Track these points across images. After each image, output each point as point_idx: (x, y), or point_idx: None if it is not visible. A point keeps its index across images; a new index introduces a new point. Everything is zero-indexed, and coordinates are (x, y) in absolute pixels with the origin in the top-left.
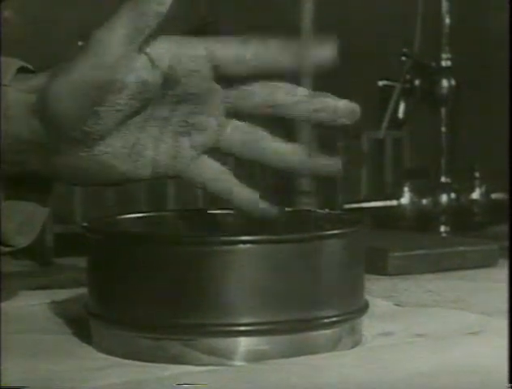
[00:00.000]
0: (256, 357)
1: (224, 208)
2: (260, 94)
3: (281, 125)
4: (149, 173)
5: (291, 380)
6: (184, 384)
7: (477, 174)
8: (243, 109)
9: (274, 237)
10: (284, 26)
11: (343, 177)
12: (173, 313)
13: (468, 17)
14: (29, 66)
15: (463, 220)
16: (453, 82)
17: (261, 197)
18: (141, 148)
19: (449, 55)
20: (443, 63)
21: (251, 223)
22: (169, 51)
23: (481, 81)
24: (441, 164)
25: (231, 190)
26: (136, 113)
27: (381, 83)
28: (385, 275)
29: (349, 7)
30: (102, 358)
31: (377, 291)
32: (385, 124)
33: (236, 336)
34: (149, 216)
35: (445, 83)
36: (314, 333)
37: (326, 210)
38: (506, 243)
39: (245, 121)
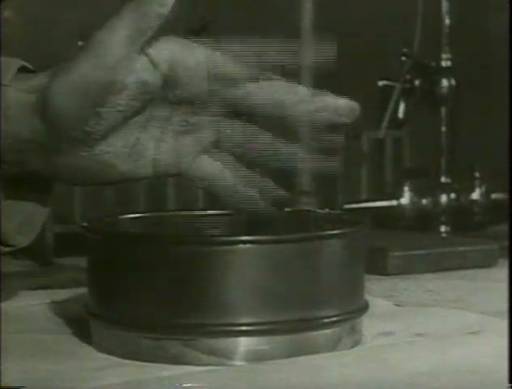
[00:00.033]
0: (256, 357)
1: (224, 208)
2: (260, 93)
3: (281, 125)
4: (150, 173)
5: (291, 380)
6: (184, 384)
7: (477, 174)
8: (243, 108)
9: (274, 237)
10: (284, 26)
11: (343, 177)
12: (173, 313)
13: (468, 17)
14: (29, 66)
15: (463, 219)
16: (453, 82)
17: (261, 196)
18: (142, 148)
19: (449, 55)
20: (443, 63)
21: (251, 223)
22: (170, 53)
23: (481, 81)
24: (441, 164)
25: (231, 189)
26: (137, 113)
27: (381, 83)
28: (385, 274)
29: (349, 7)
30: (102, 358)
31: (378, 291)
32: (385, 124)
33: (236, 336)
34: (149, 216)
35: (445, 83)
36: (314, 333)
37: (326, 210)
38: (506, 243)
39: (244, 120)
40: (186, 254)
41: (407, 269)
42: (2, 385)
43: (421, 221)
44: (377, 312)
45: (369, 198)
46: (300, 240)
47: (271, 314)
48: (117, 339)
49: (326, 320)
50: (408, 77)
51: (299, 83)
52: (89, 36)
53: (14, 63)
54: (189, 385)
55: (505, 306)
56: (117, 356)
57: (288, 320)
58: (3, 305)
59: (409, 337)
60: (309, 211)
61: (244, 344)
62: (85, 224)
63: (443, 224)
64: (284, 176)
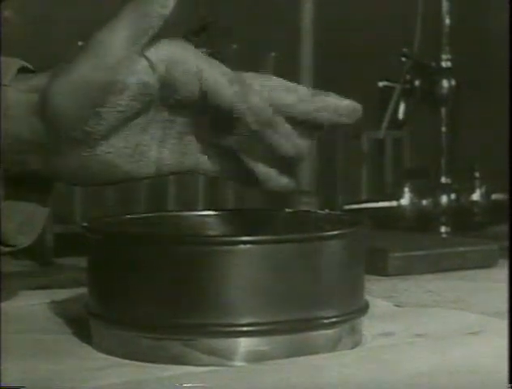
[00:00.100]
0: (256, 358)
1: (223, 209)
2: (260, 93)
3: None
4: (153, 172)
5: (291, 380)
6: (184, 384)
7: (477, 174)
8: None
9: (274, 237)
10: (284, 26)
11: (343, 177)
12: (173, 313)
13: (468, 17)
14: (30, 66)
15: (463, 220)
16: (453, 82)
17: (279, 171)
18: (144, 149)
19: (449, 55)
20: (443, 63)
21: (251, 223)
22: (168, 54)
23: (481, 81)
24: (441, 165)
25: (244, 172)
26: (137, 114)
27: (381, 83)
28: (385, 275)
29: (349, 7)
30: (102, 358)
31: (378, 291)
32: (385, 124)
33: (236, 337)
34: (149, 216)
35: (445, 83)
36: (314, 333)
37: (326, 210)
38: (506, 243)
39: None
40: (186, 254)
41: (407, 270)
42: (2, 385)
43: (421, 222)
44: (377, 312)
45: (369, 198)
46: (300, 240)
47: (271, 315)
48: (117, 339)
49: (326, 320)
50: (408, 77)
51: (299, 83)
52: (89, 36)
53: (14, 63)
54: (189, 385)
55: (505, 307)
56: (117, 356)
57: (288, 320)
58: (3, 305)
59: (409, 338)
60: (309, 211)
61: (244, 344)
62: (85, 224)
63: (443, 224)
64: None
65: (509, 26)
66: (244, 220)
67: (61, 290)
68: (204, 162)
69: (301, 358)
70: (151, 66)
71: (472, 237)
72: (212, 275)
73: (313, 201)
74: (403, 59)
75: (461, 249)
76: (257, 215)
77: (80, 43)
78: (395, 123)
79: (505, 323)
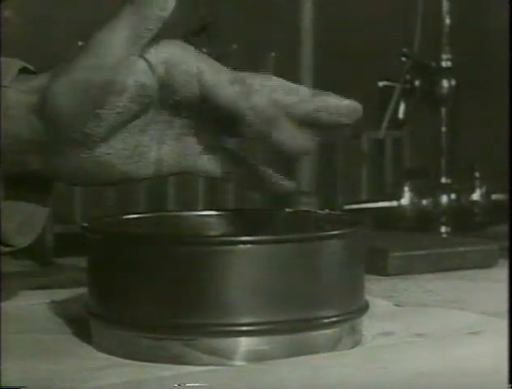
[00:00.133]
0: (256, 357)
1: (223, 209)
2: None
3: None
4: (152, 173)
5: (291, 380)
6: (184, 384)
7: (477, 174)
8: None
9: (274, 237)
10: (284, 26)
11: (343, 177)
12: (174, 313)
13: (468, 17)
14: (30, 67)
15: (463, 220)
16: (453, 82)
17: (276, 173)
18: (143, 150)
19: (449, 55)
20: (443, 63)
21: (251, 223)
22: (168, 56)
23: (481, 81)
24: (441, 165)
25: (244, 173)
26: (136, 116)
27: (381, 83)
28: (385, 275)
29: (349, 7)
30: (102, 358)
31: (378, 291)
32: (385, 124)
33: (236, 336)
34: (149, 216)
35: (445, 83)
36: (314, 333)
37: (326, 210)
38: (506, 243)
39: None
40: (186, 254)
41: (407, 269)
42: (2, 385)
43: (421, 222)
44: (377, 312)
45: (369, 198)
46: (300, 240)
47: (271, 314)
48: (117, 339)
49: (326, 320)
50: (408, 77)
51: (300, 83)
52: (89, 36)
53: (14, 64)
54: (189, 385)
55: (505, 306)
56: (118, 356)
57: (288, 320)
58: (3, 305)
59: (409, 337)
60: (309, 211)
61: (244, 343)
62: (85, 224)
63: (443, 224)
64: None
65: (509, 26)
66: (244, 220)
67: (61, 290)
68: (203, 164)
69: (301, 358)
70: (151, 67)
71: (472, 237)
72: (212, 275)
73: (313, 201)
74: (403, 59)
75: (461, 249)
76: (257, 215)
77: (80, 43)
78: (395, 123)
79: (505, 323)
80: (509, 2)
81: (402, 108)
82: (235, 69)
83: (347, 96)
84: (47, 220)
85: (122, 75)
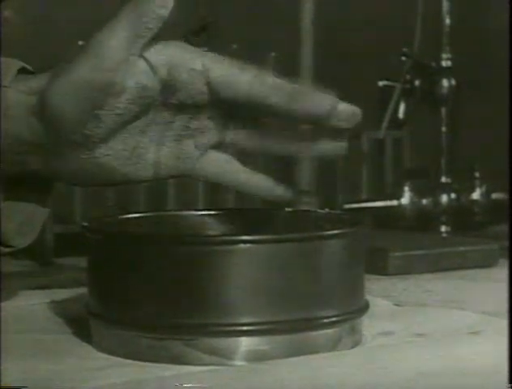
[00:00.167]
0: (256, 357)
1: (223, 208)
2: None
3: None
4: (150, 175)
5: (291, 380)
6: (185, 384)
7: (477, 174)
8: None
9: (274, 237)
10: (284, 26)
11: (343, 177)
12: (174, 313)
13: (468, 17)
14: (29, 67)
15: (464, 220)
16: (453, 82)
17: (275, 180)
18: (142, 151)
19: (449, 55)
20: (443, 63)
21: (251, 222)
22: (169, 57)
23: (481, 81)
24: (441, 164)
25: (240, 178)
26: (136, 117)
27: (381, 83)
28: (385, 275)
29: (349, 7)
30: (102, 358)
31: (377, 291)
32: (385, 124)
33: (236, 336)
34: (149, 216)
35: (445, 83)
36: (314, 333)
37: (326, 210)
38: (506, 243)
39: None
40: (186, 254)
41: (407, 269)
42: (2, 385)
43: (421, 221)
44: (377, 312)
45: (369, 198)
46: (300, 240)
47: (272, 314)
48: (117, 339)
49: (326, 320)
50: (408, 77)
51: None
52: (89, 36)
53: (14, 64)
54: (189, 385)
55: (505, 306)
56: (118, 355)
57: (288, 320)
58: (3, 305)
59: (409, 337)
60: (309, 211)
61: (245, 343)
62: (85, 224)
63: (443, 224)
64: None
65: (509, 26)
66: (244, 220)
67: (61, 290)
68: (201, 167)
69: (301, 358)
70: (151, 68)
71: (472, 237)
72: (212, 275)
73: (313, 201)
74: (403, 59)
75: (461, 248)
76: (257, 215)
77: (80, 43)
78: (395, 123)
79: (505, 323)
80: (510, 2)
81: (402, 108)
82: None
83: (347, 96)
84: (47, 220)
85: (122, 76)
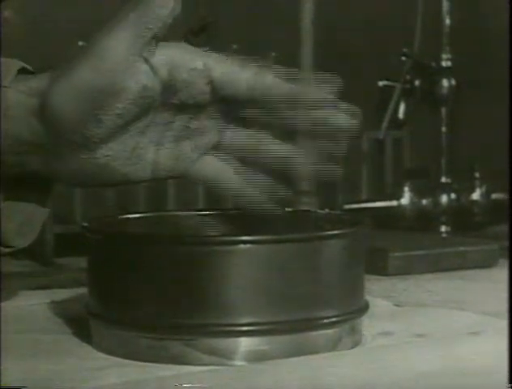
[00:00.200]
0: (256, 357)
1: (223, 208)
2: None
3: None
4: (149, 175)
5: (291, 380)
6: (184, 384)
7: (477, 174)
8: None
9: (274, 237)
10: (284, 26)
11: (343, 177)
12: (174, 313)
13: (468, 17)
14: (29, 68)
15: (463, 220)
16: (453, 82)
17: (264, 195)
18: (141, 152)
19: (449, 55)
20: (443, 63)
21: (251, 223)
22: (170, 58)
23: (481, 81)
24: (441, 164)
25: (234, 187)
26: (136, 118)
27: (381, 83)
28: (385, 275)
29: (349, 7)
30: (102, 358)
31: (377, 291)
32: (385, 124)
33: (236, 336)
34: (149, 216)
35: (445, 83)
36: (314, 333)
37: (326, 210)
38: (506, 243)
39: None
40: (186, 254)
41: (407, 269)
42: (2, 385)
43: (421, 221)
44: (377, 312)
45: (369, 198)
46: (300, 240)
47: (272, 314)
48: (117, 339)
49: (326, 320)
50: (408, 77)
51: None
52: (89, 36)
53: (14, 64)
54: (189, 385)
55: (505, 306)
56: (118, 356)
57: (288, 320)
58: (3, 305)
59: (409, 337)
60: (309, 211)
61: (244, 344)
62: (85, 224)
63: (443, 224)
64: (284, 177)
65: (509, 26)
66: (244, 220)
67: (61, 290)
68: (199, 169)
69: (301, 358)
70: (152, 69)
71: (472, 237)
72: (212, 275)
73: (313, 201)
74: (403, 59)
75: (461, 248)
76: (257, 215)
77: (80, 43)
78: (395, 123)
79: (505, 323)
80: (510, 2)
81: (402, 108)
82: None
83: (347, 96)
84: (47, 220)
85: (123, 78)
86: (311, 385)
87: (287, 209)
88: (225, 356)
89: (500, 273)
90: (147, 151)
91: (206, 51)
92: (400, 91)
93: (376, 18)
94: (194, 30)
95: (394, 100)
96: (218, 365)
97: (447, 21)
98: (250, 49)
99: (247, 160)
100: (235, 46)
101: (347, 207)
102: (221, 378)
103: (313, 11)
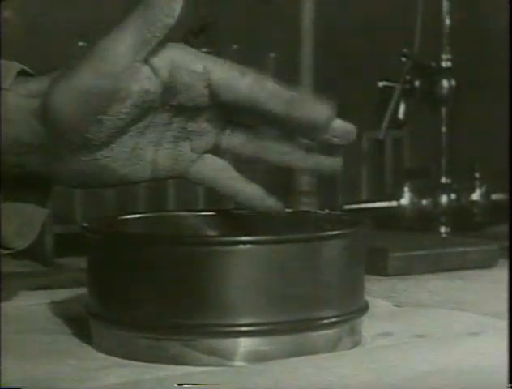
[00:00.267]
0: (256, 358)
1: (223, 208)
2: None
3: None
4: (149, 176)
5: (291, 380)
6: (184, 384)
7: (477, 174)
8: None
9: (274, 237)
10: (284, 26)
11: (343, 177)
12: (173, 313)
13: (468, 17)
14: (29, 70)
15: (463, 220)
16: (453, 82)
17: (266, 192)
18: (140, 152)
19: (449, 55)
20: (443, 63)
21: (251, 223)
22: (170, 60)
23: (481, 81)
24: (441, 165)
25: (234, 186)
26: (137, 120)
27: (381, 83)
28: (385, 275)
29: (349, 7)
30: (102, 358)
31: (377, 291)
32: (385, 124)
33: (236, 337)
34: (149, 216)
35: (445, 83)
36: (314, 333)
37: (326, 210)
38: (506, 243)
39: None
40: (186, 254)
41: (407, 270)
42: (2, 385)
43: (421, 222)
44: (377, 313)
45: (369, 198)
46: (300, 240)
47: (271, 315)
48: (117, 339)
49: (326, 321)
50: (408, 77)
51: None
52: (89, 36)
53: (13, 67)
54: (189, 385)
55: (505, 307)
56: (117, 356)
57: (288, 321)
58: (3, 305)
59: (409, 338)
60: (309, 211)
61: (244, 344)
62: (85, 224)
63: (443, 224)
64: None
65: (509, 26)
66: (244, 220)
67: (61, 290)
68: (198, 170)
69: (301, 358)
70: (154, 71)
71: (472, 237)
72: (212, 275)
73: (313, 201)
74: (403, 59)
75: (461, 249)
76: (257, 215)
77: (80, 43)
78: (395, 123)
79: (505, 323)
80: (510, 2)
81: (402, 108)
82: None
83: (347, 96)
84: (47, 220)
85: (127, 83)
86: (311, 385)
87: (287, 209)
88: (225, 356)
89: (500, 273)
90: (147, 152)
91: (206, 53)
92: (400, 92)
93: (376, 18)
94: (194, 30)
95: (394, 101)
96: (217, 365)
97: (447, 21)
98: (250, 49)
99: (247, 161)
100: (235, 46)
101: (347, 207)
102: (221, 379)
103: (313, 11)
